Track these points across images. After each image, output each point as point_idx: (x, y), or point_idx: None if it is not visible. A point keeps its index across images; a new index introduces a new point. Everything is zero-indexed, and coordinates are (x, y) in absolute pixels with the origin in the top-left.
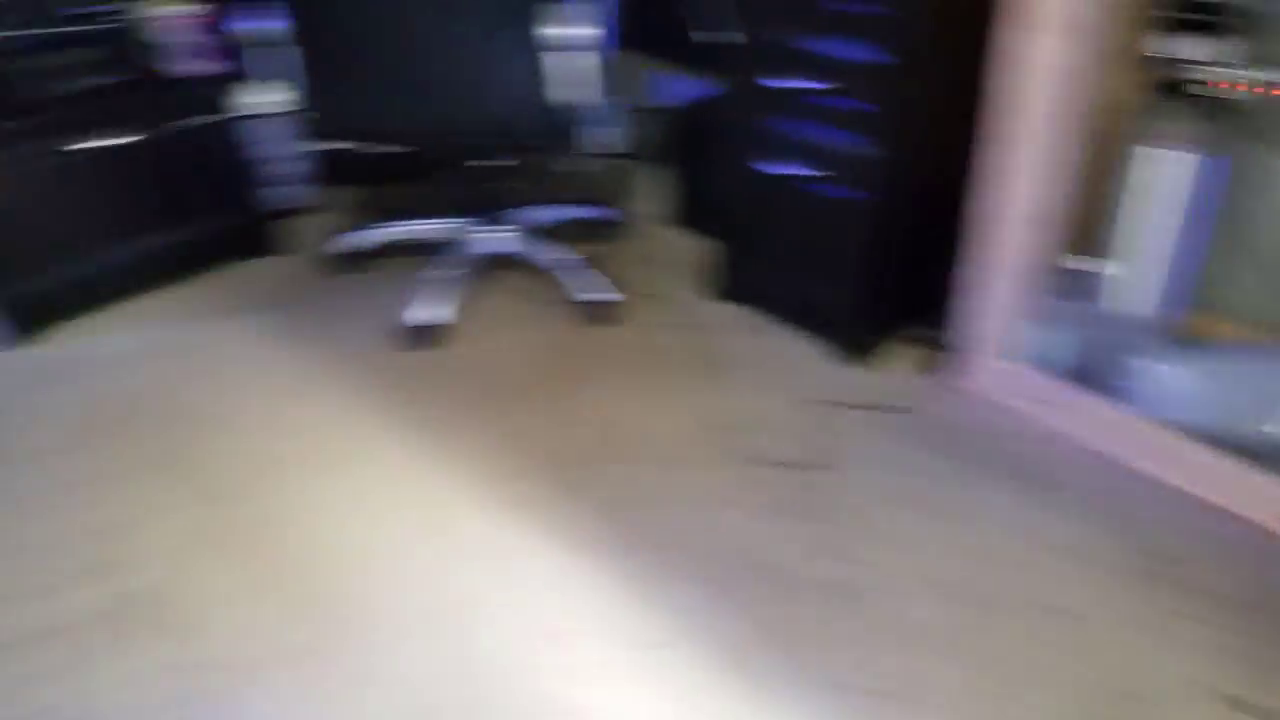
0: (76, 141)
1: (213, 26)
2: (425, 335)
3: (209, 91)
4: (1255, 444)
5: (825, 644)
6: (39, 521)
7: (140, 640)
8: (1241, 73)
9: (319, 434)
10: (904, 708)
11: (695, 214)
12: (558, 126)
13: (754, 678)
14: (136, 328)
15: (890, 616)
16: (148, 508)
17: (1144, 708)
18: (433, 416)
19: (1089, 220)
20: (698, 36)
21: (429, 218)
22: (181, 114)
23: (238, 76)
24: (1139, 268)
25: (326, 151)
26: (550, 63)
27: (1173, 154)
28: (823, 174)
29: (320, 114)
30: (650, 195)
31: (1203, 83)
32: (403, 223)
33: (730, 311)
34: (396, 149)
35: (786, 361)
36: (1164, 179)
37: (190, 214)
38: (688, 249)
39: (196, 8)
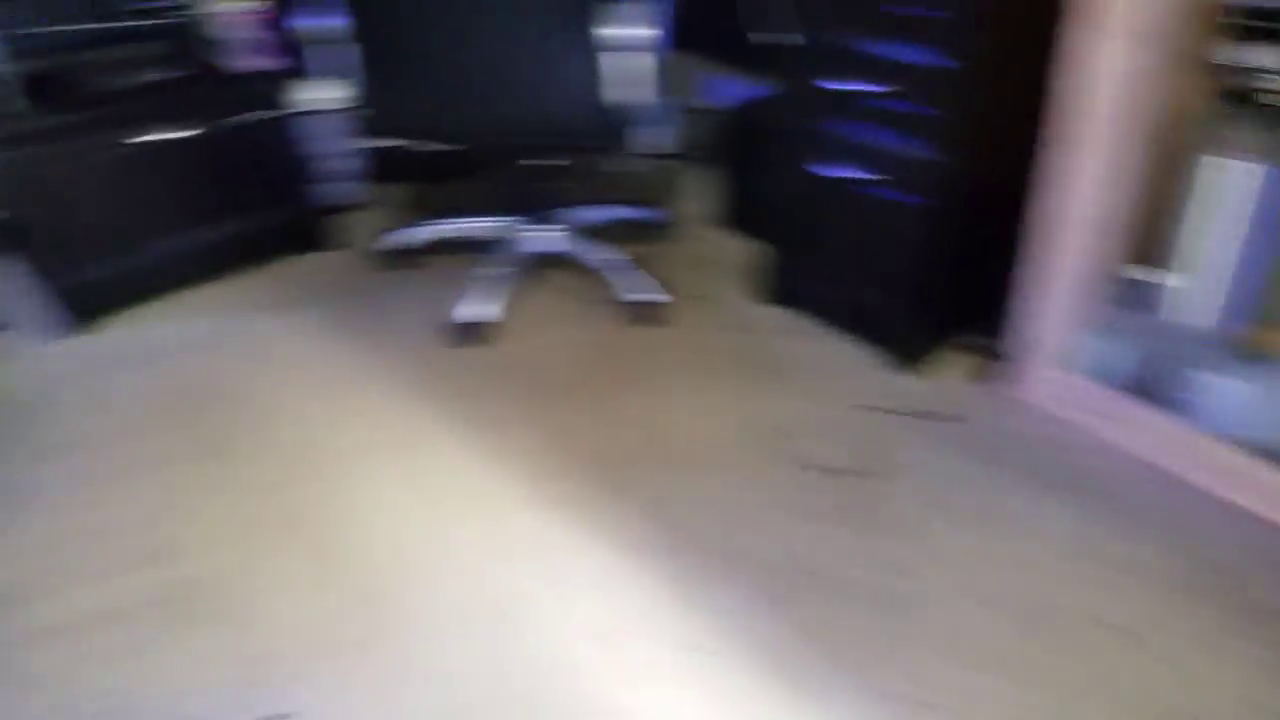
0: (137, 135)
1: (272, 23)
2: (474, 332)
3: (267, 87)
4: None
5: (874, 653)
6: (94, 507)
7: (192, 627)
8: None
9: (369, 426)
10: None
11: (744, 216)
12: (611, 126)
13: (799, 684)
14: (190, 319)
15: (941, 627)
16: (200, 496)
17: None
18: (480, 412)
19: (1151, 229)
20: (756, 38)
21: (478, 216)
22: (240, 109)
23: (296, 73)
24: (1202, 279)
25: (379, 149)
26: (606, 62)
27: (1239, 164)
28: (879, 177)
29: (375, 111)
30: (699, 196)
31: (1272, 92)
32: (452, 220)
33: (779, 315)
34: (448, 147)
35: (837, 367)
36: (1230, 189)
37: (246, 208)
38: (736, 251)
39: (257, 4)
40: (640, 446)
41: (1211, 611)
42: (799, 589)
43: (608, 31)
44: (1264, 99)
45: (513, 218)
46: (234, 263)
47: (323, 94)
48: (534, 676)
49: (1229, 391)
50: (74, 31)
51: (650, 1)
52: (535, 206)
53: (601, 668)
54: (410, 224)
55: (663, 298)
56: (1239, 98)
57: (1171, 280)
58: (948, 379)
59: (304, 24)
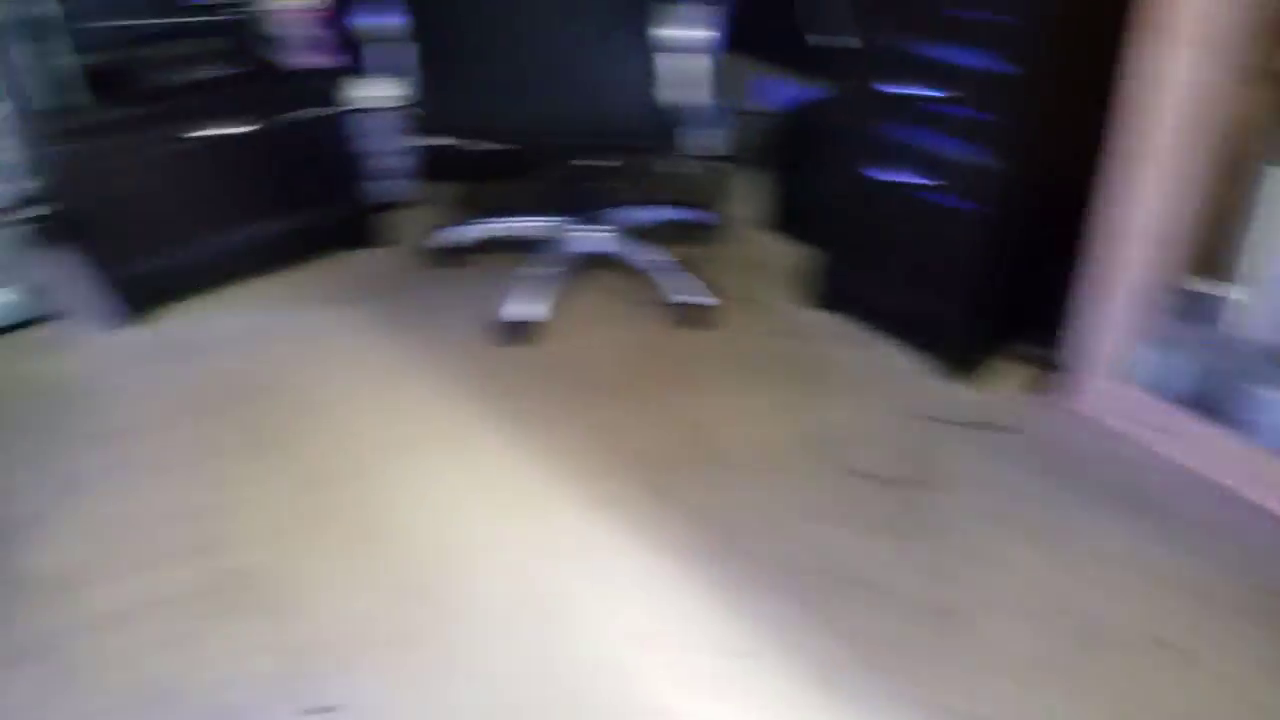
0: (195, 130)
1: (329, 20)
2: (521, 331)
3: (323, 85)
4: None
5: (923, 665)
6: (146, 497)
7: (241, 618)
8: None
9: (415, 422)
10: None
11: (794, 219)
12: (665, 128)
13: (844, 695)
14: (242, 312)
15: (992, 641)
16: (249, 488)
17: None
18: (526, 411)
19: (1214, 241)
20: (813, 40)
21: (527, 215)
22: (295, 106)
23: (351, 70)
24: (1265, 292)
25: (429, 147)
26: (662, 63)
27: None
28: (935, 183)
29: (430, 110)
30: (748, 199)
31: None
32: (501, 219)
33: (828, 320)
34: (498, 146)
35: (887, 374)
36: None
37: (299, 204)
38: (785, 255)
39: (315, 1)
40: (686, 449)
41: (1271, 634)
42: (846, 598)
43: (665, 32)
44: None
45: (561, 218)
46: (286, 258)
47: (377, 92)
48: (579, 678)
49: None
50: (136, 26)
51: (707, 3)
52: (584, 207)
53: (646, 671)
54: (459, 222)
55: (710, 300)
56: None
57: (1233, 293)
58: (1001, 389)
59: (363, 22)
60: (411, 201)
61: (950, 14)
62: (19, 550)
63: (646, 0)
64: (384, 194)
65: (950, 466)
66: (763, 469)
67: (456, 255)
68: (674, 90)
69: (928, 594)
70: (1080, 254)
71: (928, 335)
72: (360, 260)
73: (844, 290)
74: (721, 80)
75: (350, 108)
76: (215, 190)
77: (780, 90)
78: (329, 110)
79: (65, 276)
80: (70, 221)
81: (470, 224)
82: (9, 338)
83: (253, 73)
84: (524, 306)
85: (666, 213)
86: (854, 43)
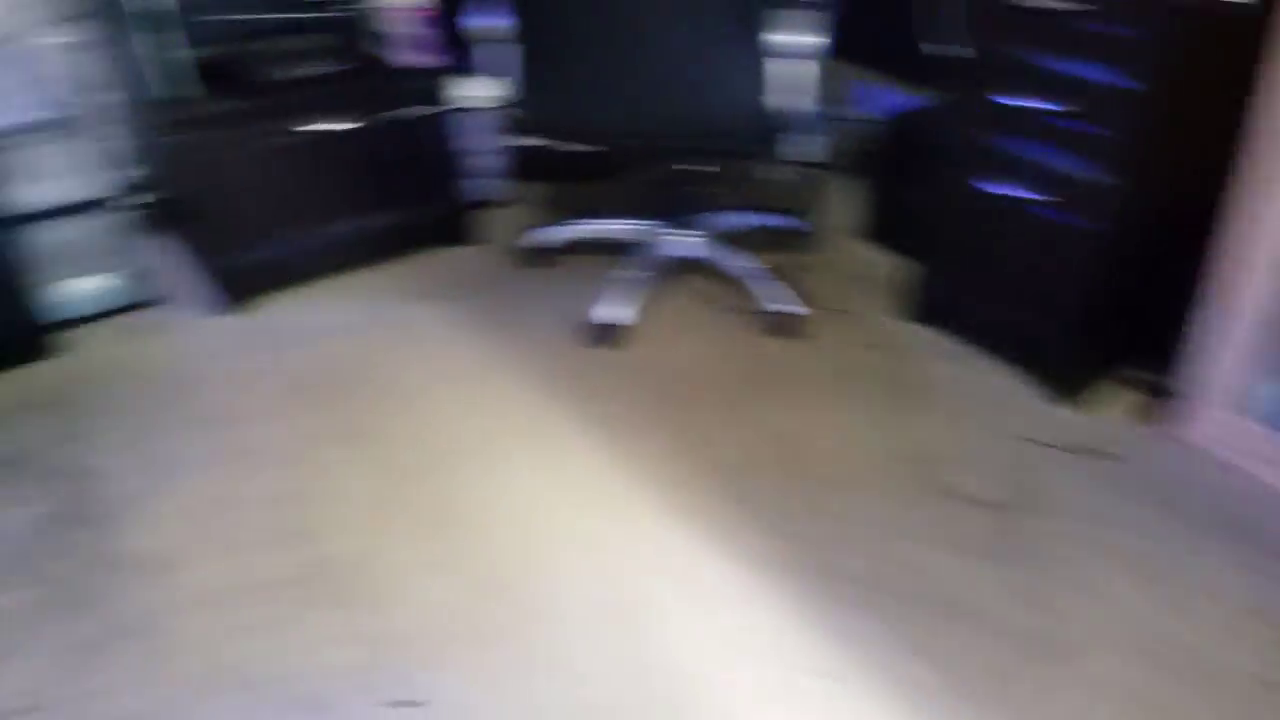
0: (301, 125)
1: (433, 20)
2: (609, 333)
3: (426, 84)
4: None
5: (1018, 697)
6: (237, 481)
7: (328, 607)
8: None
9: (502, 419)
10: None
11: (891, 229)
12: (769, 134)
13: None
14: (339, 304)
15: (1092, 676)
16: (341, 477)
17: None
18: (612, 414)
19: None
20: (927, 48)
21: (619, 217)
22: (400, 104)
23: (455, 70)
24: None
25: (523, 147)
26: (770, 69)
27: None
28: (1047, 198)
29: (532, 110)
30: (843, 207)
31: None
32: (594, 221)
33: (925, 334)
34: (591, 148)
35: (987, 393)
36: None
37: (397, 200)
38: (880, 265)
39: (421, 1)
40: (775, 462)
41: None
42: (938, 622)
43: (774, 37)
44: None
45: (654, 221)
46: (382, 252)
47: (478, 91)
48: (658, 684)
49: None
50: (249, 21)
51: (817, 8)
52: (677, 210)
53: (726, 683)
54: (550, 223)
55: (802, 310)
56: None
57: None
58: (1108, 414)
59: (472, 22)
60: (503, 201)
61: (1075, 27)
62: (118, 530)
63: (760, 5)
64: (478, 192)
65: (1052, 492)
66: (854, 484)
67: (547, 255)
68: (779, 95)
69: (1025, 623)
70: (1199, 279)
71: (1031, 354)
72: (454, 257)
73: (943, 304)
74: (824, 86)
75: (452, 107)
76: (318, 184)
77: (882, 97)
78: (432, 109)
79: (168, 263)
80: (176, 210)
81: (562, 225)
82: (113, 321)
83: (360, 70)
84: (613, 309)
85: (760, 219)
86: (966, 53)
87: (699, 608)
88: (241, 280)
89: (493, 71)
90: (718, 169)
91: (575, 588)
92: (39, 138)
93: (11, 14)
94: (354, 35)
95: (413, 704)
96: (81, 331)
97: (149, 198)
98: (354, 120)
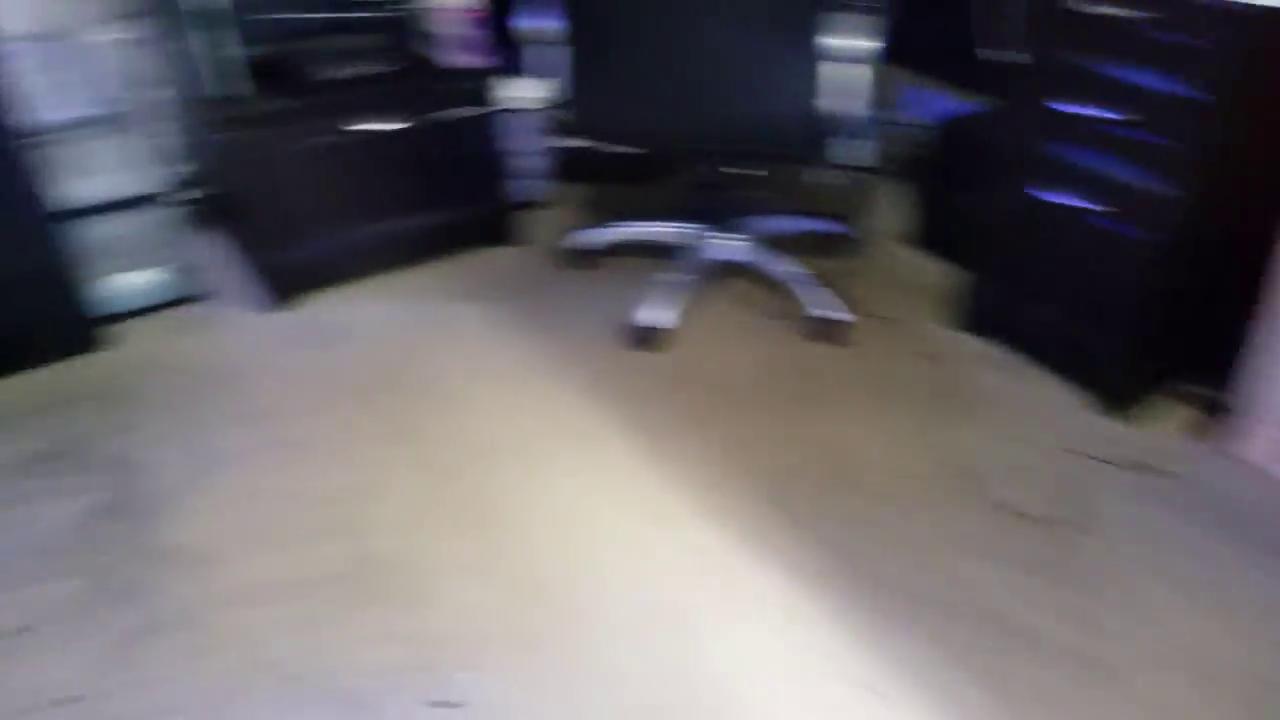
0: (350, 124)
1: (482, 21)
2: (651, 336)
3: (474, 84)
4: None
5: (1065, 719)
6: (282, 477)
7: (368, 606)
8: None
9: (543, 421)
10: None
11: (940, 235)
12: (818, 137)
13: None
14: (384, 302)
15: (1146, 699)
16: (382, 474)
17: None
18: (653, 418)
19: None
20: (984, 54)
21: (663, 220)
22: (449, 105)
23: (501, 71)
24: None
25: (568, 148)
26: (823, 72)
27: None
28: (1104, 208)
29: (581, 111)
30: (891, 212)
31: None
32: (638, 223)
33: (973, 343)
34: (637, 150)
35: (1037, 405)
36: None
37: (444, 200)
38: (928, 272)
39: (471, 2)
40: (818, 470)
41: None
42: (984, 638)
43: (828, 41)
44: None
45: (698, 224)
46: (427, 251)
47: (524, 92)
48: (699, 690)
49: None
50: (300, 20)
51: (871, 12)
52: (722, 213)
53: (767, 693)
54: (593, 224)
55: (847, 316)
56: None
57: None
58: (1161, 429)
59: (523, 24)
60: (546, 202)
61: (1138, 34)
62: (163, 523)
63: (816, 9)
64: (522, 193)
65: (1103, 508)
66: (900, 496)
67: (589, 256)
68: (830, 99)
69: (1076, 643)
70: (1258, 293)
71: (1084, 366)
72: (498, 257)
73: (992, 312)
74: (875, 90)
75: (499, 108)
76: (365, 184)
77: (933, 102)
78: (479, 110)
79: (215, 258)
80: (224, 207)
81: (605, 227)
82: (161, 316)
83: (408, 70)
84: (656, 312)
85: (806, 223)
86: (1023, 58)
87: (740, 615)
88: (288, 277)
89: (542, 73)
90: (765, 172)
91: (615, 591)
92: (92, 133)
93: (67, 10)
94: (403, 35)
95: (451, 705)
96: (129, 325)
97: (198, 194)
98: (402, 120)
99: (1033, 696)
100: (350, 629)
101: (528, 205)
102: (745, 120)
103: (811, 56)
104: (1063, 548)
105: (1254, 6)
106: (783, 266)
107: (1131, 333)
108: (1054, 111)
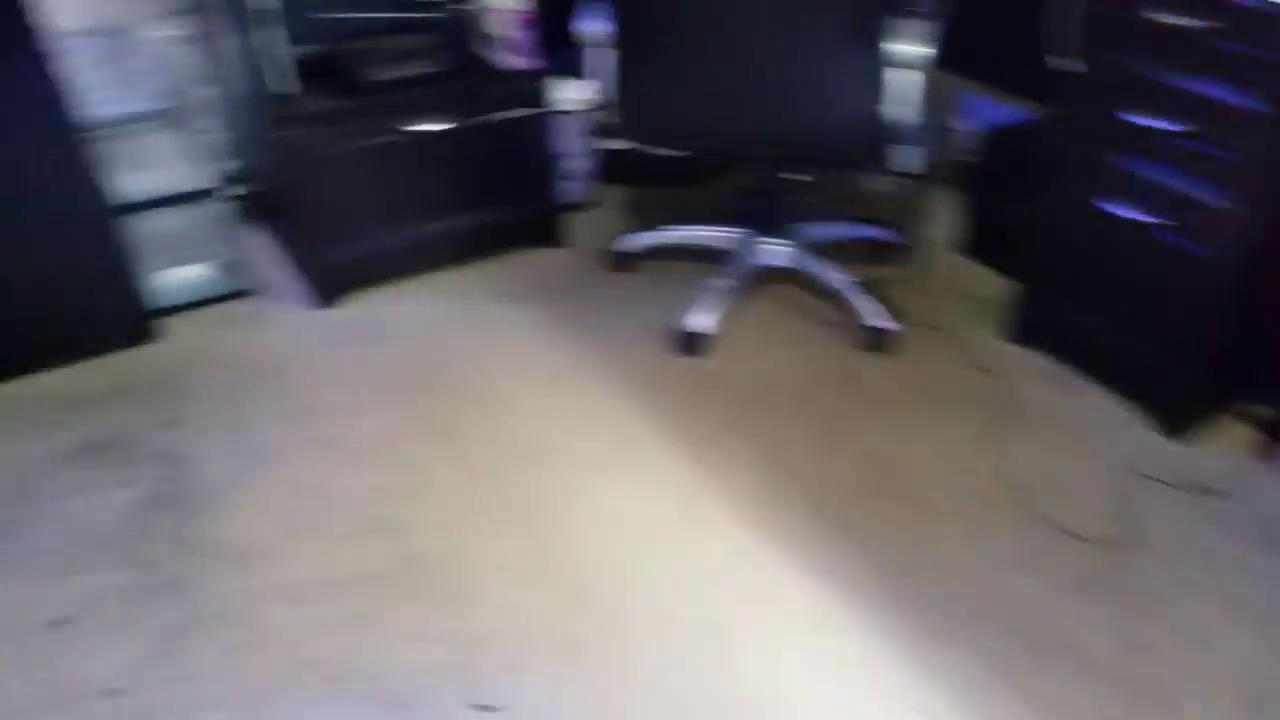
0: (401, 124)
1: (532, 23)
2: (695, 342)
3: (524, 85)
4: None
5: None
6: (326, 475)
7: (409, 605)
8: None
9: (586, 425)
10: None
11: (990, 244)
12: (879, 144)
13: None
14: (428, 303)
15: None
16: (424, 474)
17: None
18: (697, 425)
19: None
20: (1040, 61)
21: (710, 224)
22: (500, 106)
23: (550, 72)
24: None
25: (615, 151)
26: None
27: None
28: (1164, 221)
29: (632, 114)
30: (940, 220)
31: None
32: (685, 227)
33: (1025, 356)
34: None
35: (1091, 420)
36: None
37: (492, 200)
38: (977, 281)
39: (525, 4)
40: (866, 482)
41: None
42: (1037, 660)
43: (892, 47)
44: None
45: (745, 229)
46: (473, 251)
47: (572, 94)
48: (742, 703)
49: None
50: (351, 19)
51: (928, 19)
52: (770, 219)
53: (811, 711)
54: (639, 227)
55: (895, 325)
56: None
57: None
58: (1219, 449)
59: (579, 25)
60: (590, 203)
61: (1203, 44)
62: (209, 517)
63: (884, 14)
64: (568, 195)
65: (1159, 529)
66: (949, 511)
67: (633, 259)
68: (890, 106)
69: (1128, 666)
70: None
71: (1140, 381)
72: (542, 258)
73: (1045, 324)
74: (928, 96)
75: (549, 109)
76: (413, 183)
77: (984, 109)
78: (531, 111)
79: (260, 255)
80: (270, 204)
81: (654, 230)
82: (209, 310)
83: (459, 70)
84: (701, 317)
85: (855, 229)
86: (1077, 66)
87: (784, 629)
88: (334, 275)
89: (594, 75)
90: (816, 179)
91: (658, 598)
92: (144, 128)
93: (122, 7)
94: (454, 36)
95: (492, 709)
96: (178, 319)
97: (244, 191)
98: (452, 121)
99: (1083, 718)
100: (391, 628)
101: (573, 207)
102: (807, 125)
103: (877, 62)
104: (1115, 567)
105: None
106: (831, 273)
107: (1190, 349)
108: (1115, 121)
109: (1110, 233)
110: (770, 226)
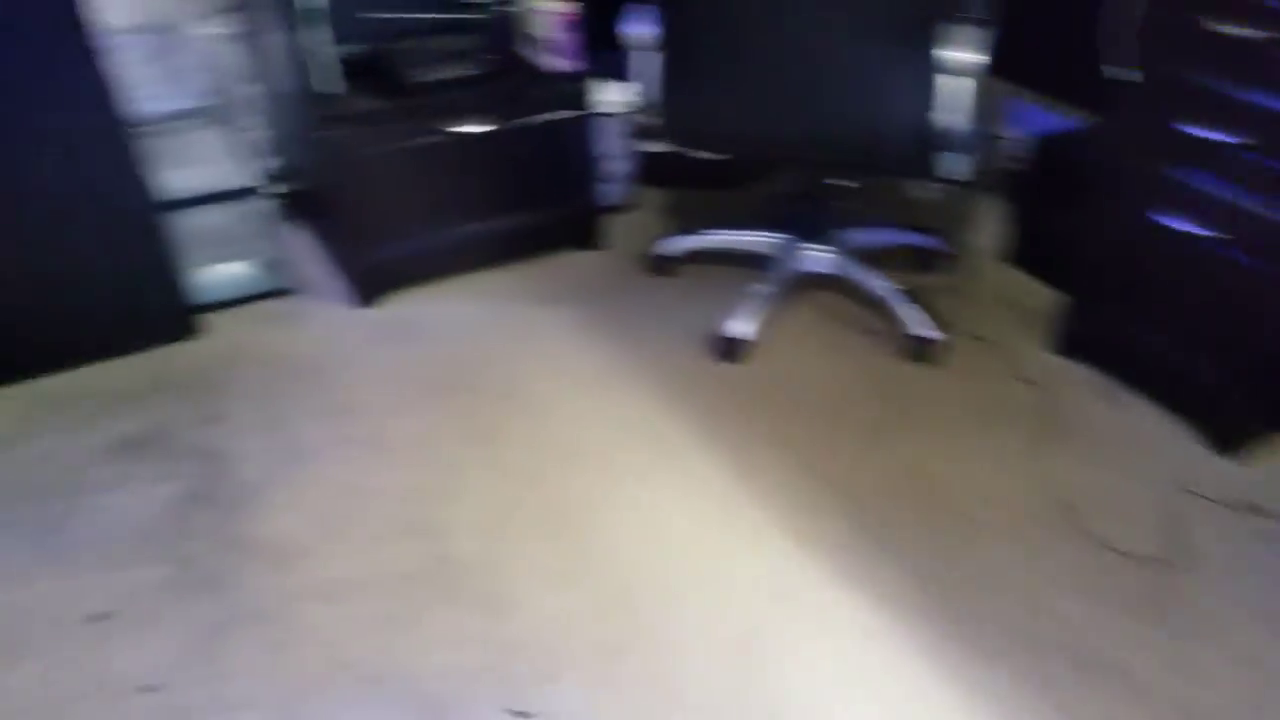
0: (444, 125)
1: (575, 25)
2: (734, 348)
3: (567, 88)
4: None
5: None
6: (362, 474)
7: (446, 607)
8: None
9: (624, 430)
10: None
11: (1037, 254)
12: (928, 151)
13: None
14: (467, 304)
15: None
16: (461, 475)
17: None
18: (736, 432)
19: None
20: (1107, 71)
21: (749, 228)
22: (543, 108)
23: (592, 74)
24: None
25: (656, 154)
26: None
27: None
28: (1221, 235)
29: (675, 117)
30: (986, 229)
31: None
32: (726, 231)
33: (1071, 369)
34: (731, 156)
35: (1140, 436)
36: None
37: (531, 202)
38: (1024, 291)
39: (569, 6)
40: (909, 495)
41: None
42: (1083, 682)
43: (944, 53)
44: None
45: (788, 234)
46: (513, 253)
47: (616, 96)
48: (780, 716)
49: None
50: (395, 20)
51: (982, 25)
52: (814, 224)
53: None
54: (680, 231)
55: (939, 335)
56: None
57: None
58: (1272, 467)
59: (626, 28)
60: (629, 206)
61: (1266, 55)
62: (247, 515)
63: (938, 20)
64: (608, 198)
65: (1211, 550)
66: (993, 525)
67: (673, 263)
68: (940, 113)
69: (1173, 689)
70: None
71: (1192, 398)
72: (581, 261)
73: (1094, 337)
74: (978, 104)
75: (592, 111)
76: (455, 184)
77: (1034, 117)
78: (571, 113)
79: (301, 253)
80: (312, 203)
81: (694, 234)
82: (249, 308)
83: (503, 72)
84: (741, 323)
85: (899, 236)
86: (1137, 76)
87: (823, 641)
88: (375, 275)
89: (638, 77)
90: (862, 184)
91: (696, 608)
92: (190, 125)
93: (168, 4)
94: (498, 37)
95: (528, 715)
96: (219, 316)
97: (288, 189)
98: (495, 122)
99: None
100: (427, 630)
101: (612, 209)
102: (855, 130)
103: (930, 68)
104: (1163, 587)
105: None
106: (874, 280)
107: (1243, 365)
108: (1172, 132)
109: (1164, 245)
110: (813, 232)
